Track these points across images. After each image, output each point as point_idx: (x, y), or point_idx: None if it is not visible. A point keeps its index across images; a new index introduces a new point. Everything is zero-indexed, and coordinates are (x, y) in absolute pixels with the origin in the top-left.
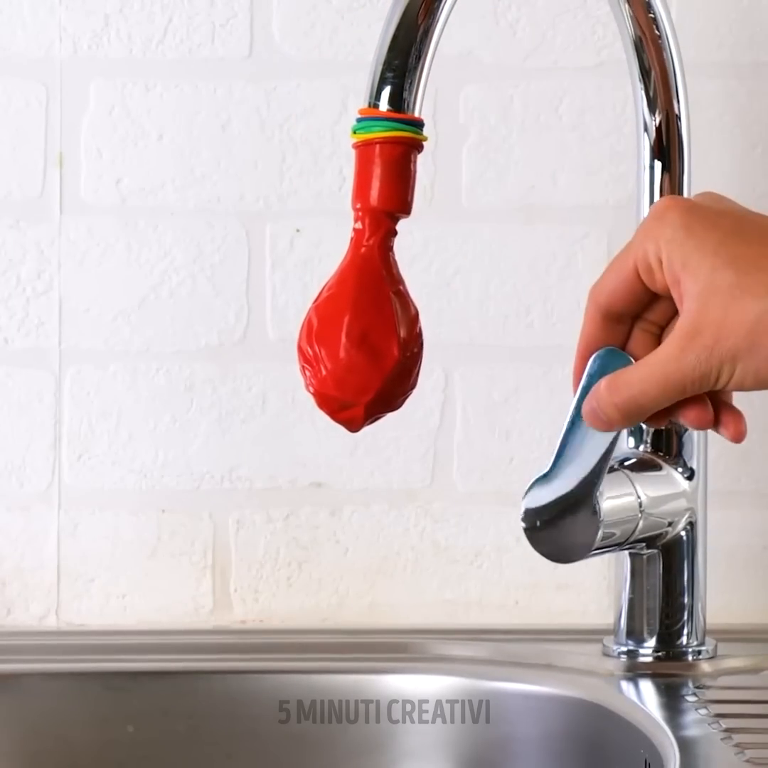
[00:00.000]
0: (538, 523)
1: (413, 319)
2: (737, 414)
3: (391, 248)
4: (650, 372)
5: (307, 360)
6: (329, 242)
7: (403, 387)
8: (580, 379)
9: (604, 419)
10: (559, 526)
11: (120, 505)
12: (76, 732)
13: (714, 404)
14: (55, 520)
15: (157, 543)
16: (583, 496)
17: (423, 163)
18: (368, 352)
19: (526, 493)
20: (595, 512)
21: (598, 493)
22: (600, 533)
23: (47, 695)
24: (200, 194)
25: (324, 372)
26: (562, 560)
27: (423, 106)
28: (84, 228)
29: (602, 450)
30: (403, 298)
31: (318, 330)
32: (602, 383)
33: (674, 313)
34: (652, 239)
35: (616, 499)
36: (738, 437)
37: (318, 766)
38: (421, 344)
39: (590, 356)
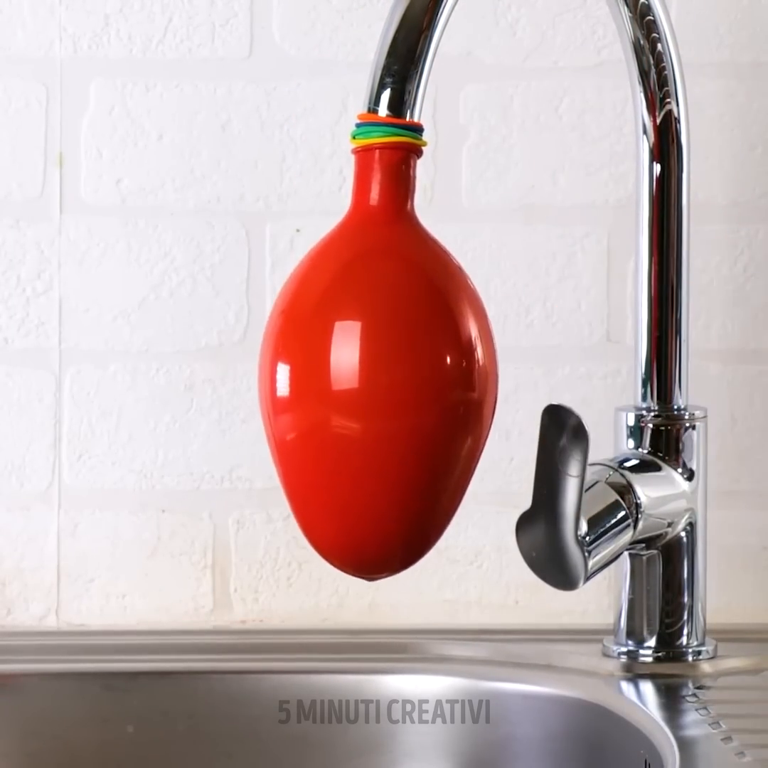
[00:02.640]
0: (534, 554)
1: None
2: None
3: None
4: None
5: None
6: None
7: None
8: None
9: None
10: (551, 562)
11: (120, 505)
12: (76, 732)
13: None
14: (55, 520)
15: (157, 543)
16: (566, 533)
17: (423, 163)
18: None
19: (516, 530)
20: (579, 544)
21: (578, 531)
22: (590, 563)
23: (47, 695)
24: (200, 194)
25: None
26: (564, 589)
27: (423, 107)
28: (84, 228)
29: (575, 488)
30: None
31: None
32: None
33: None
34: None
35: (602, 519)
36: None
37: (318, 766)
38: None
39: None
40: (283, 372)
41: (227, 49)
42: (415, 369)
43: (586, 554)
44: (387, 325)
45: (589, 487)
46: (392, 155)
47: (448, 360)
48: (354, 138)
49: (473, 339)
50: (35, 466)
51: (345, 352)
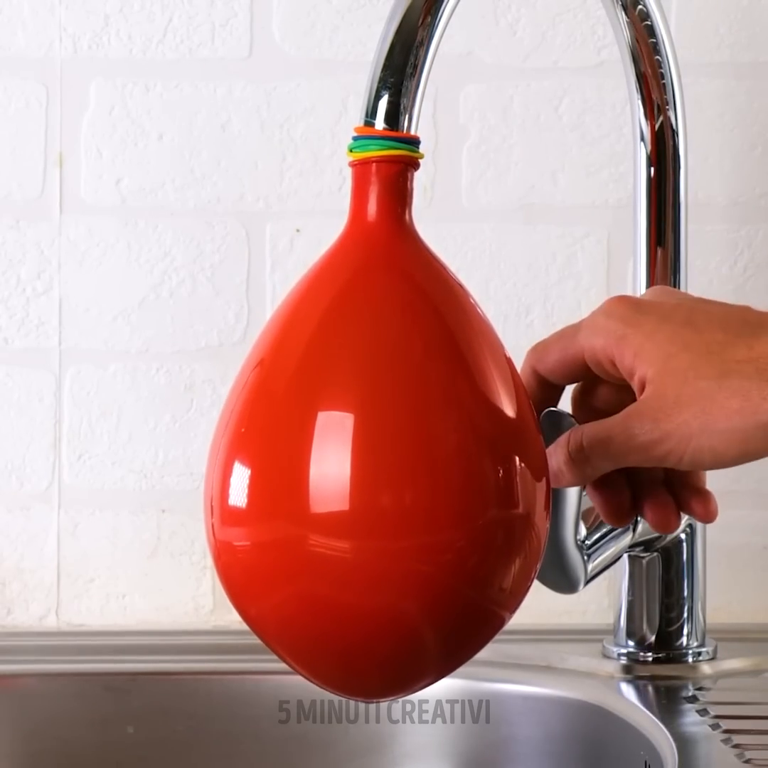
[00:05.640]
0: None
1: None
2: (707, 496)
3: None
4: (599, 429)
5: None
6: (329, 242)
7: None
8: None
9: (555, 469)
10: (551, 566)
11: (120, 505)
12: (76, 732)
13: (686, 492)
14: (55, 520)
15: (157, 543)
16: (565, 537)
17: (423, 162)
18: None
19: None
20: (579, 548)
21: (577, 535)
22: (590, 566)
23: (47, 696)
24: (200, 194)
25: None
26: (564, 592)
27: (422, 111)
28: (84, 228)
29: (574, 492)
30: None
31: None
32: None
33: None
34: (602, 335)
35: (602, 522)
36: (707, 517)
37: (318, 766)
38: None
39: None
40: (240, 476)
41: (227, 49)
42: (430, 487)
43: (586, 558)
44: (391, 413)
45: None
46: (389, 168)
47: (479, 471)
48: (351, 151)
49: (512, 430)
50: (35, 466)
51: (331, 459)
